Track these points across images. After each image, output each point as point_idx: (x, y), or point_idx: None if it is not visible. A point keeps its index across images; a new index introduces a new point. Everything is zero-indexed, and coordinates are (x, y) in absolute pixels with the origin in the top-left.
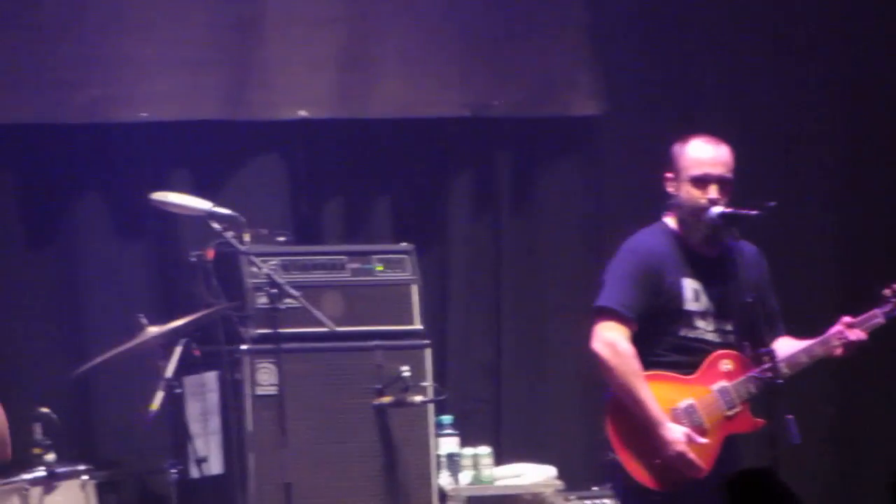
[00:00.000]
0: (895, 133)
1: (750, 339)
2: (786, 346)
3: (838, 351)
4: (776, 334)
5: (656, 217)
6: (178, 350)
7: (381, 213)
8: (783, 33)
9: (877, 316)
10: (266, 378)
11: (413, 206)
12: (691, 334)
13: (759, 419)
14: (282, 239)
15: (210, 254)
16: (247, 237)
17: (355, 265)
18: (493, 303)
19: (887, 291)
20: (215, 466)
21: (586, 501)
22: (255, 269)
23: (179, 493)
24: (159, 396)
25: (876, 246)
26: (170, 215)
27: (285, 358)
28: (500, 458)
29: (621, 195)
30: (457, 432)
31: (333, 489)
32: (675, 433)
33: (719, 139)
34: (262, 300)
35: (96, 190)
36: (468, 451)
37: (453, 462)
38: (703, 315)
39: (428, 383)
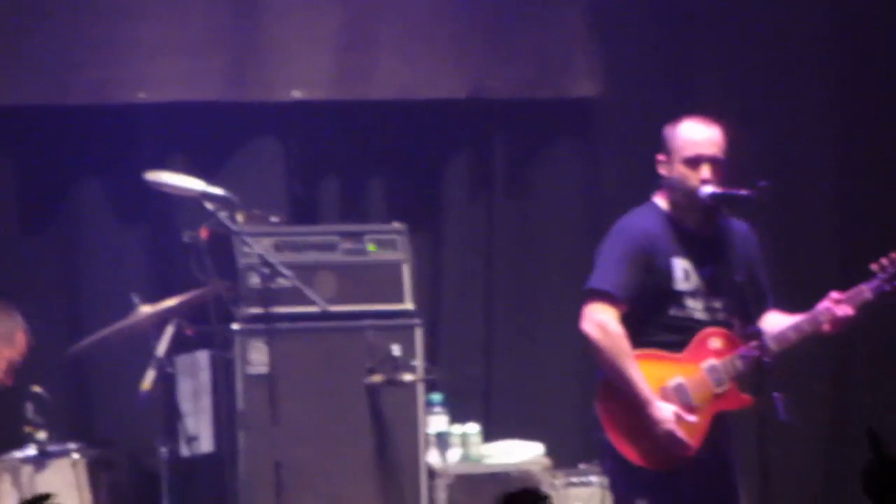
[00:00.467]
0: (892, 106)
1: (740, 317)
2: (775, 323)
3: (827, 327)
4: (765, 309)
5: (651, 198)
6: (170, 329)
7: (376, 194)
8: (781, 14)
9: (864, 291)
10: (258, 357)
11: (408, 187)
12: (682, 314)
13: (746, 396)
14: (275, 219)
15: (204, 234)
16: (240, 217)
17: (348, 245)
18: (485, 283)
19: (875, 267)
20: (206, 445)
21: (574, 479)
22: (247, 249)
23: (170, 472)
24: (151, 376)
25: (873, 221)
26: (166, 197)
27: (277, 337)
28: (490, 436)
29: (618, 176)
30: (447, 410)
31: (324, 467)
32: (665, 412)
33: (711, 120)
34: (255, 280)
35: (93, 172)
36: (457, 429)
37: (442, 440)
38: (693, 294)
39: (418, 362)
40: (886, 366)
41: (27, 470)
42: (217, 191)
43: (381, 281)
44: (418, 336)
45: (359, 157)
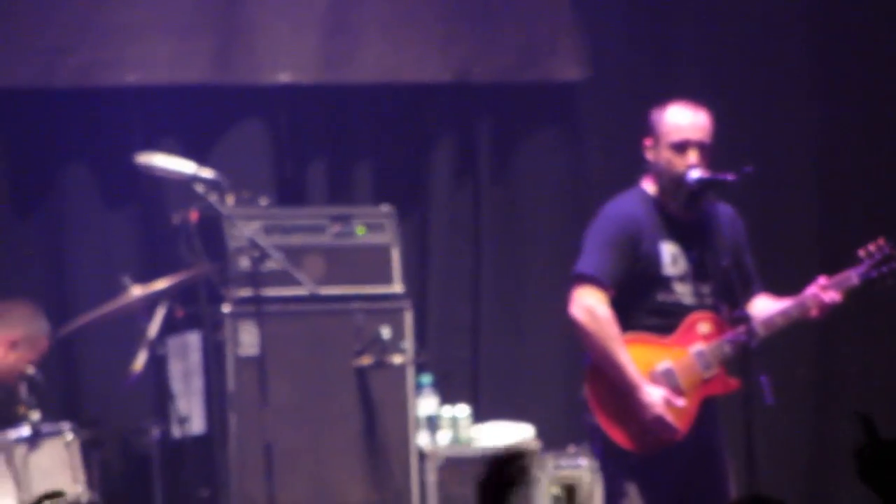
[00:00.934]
0: (876, 91)
1: (727, 301)
2: (762, 307)
3: (814, 312)
4: (753, 293)
5: (638, 183)
6: (161, 311)
7: (364, 177)
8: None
9: (851, 277)
10: (248, 339)
11: (395, 170)
12: (669, 298)
13: (733, 380)
14: (264, 202)
15: (194, 216)
16: (230, 200)
17: (336, 228)
18: (472, 265)
19: (862, 252)
20: (197, 426)
21: (564, 461)
22: (236, 232)
23: (162, 453)
24: (142, 357)
25: (857, 207)
26: (156, 180)
27: (267, 319)
28: (479, 417)
29: (603, 161)
30: (436, 392)
31: (314, 449)
32: (653, 396)
33: (698, 105)
34: (244, 262)
35: (81, 154)
36: (447, 411)
37: (432, 422)
38: (681, 279)
39: (408, 345)
40: (871, 349)
41: (20, 450)
42: (207, 173)
43: (370, 263)
44: (407, 318)
45: (346, 139)
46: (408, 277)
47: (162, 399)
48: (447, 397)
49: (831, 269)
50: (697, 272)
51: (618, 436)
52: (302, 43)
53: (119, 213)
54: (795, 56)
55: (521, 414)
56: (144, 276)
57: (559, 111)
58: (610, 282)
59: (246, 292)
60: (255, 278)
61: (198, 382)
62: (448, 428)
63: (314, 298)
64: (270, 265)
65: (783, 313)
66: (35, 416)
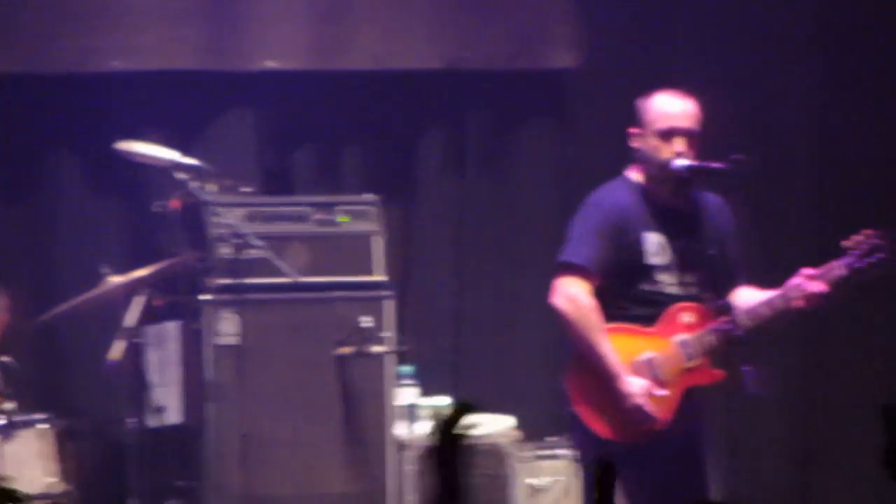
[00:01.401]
0: (874, 79)
1: (712, 291)
2: (747, 298)
3: (799, 303)
4: (737, 284)
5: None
6: (139, 300)
7: (350, 165)
8: None
9: (837, 268)
10: (228, 328)
11: (382, 159)
12: (653, 288)
13: (718, 371)
14: (246, 190)
15: (175, 204)
16: (212, 187)
17: (320, 216)
18: (457, 256)
19: (848, 243)
20: (174, 416)
21: (544, 452)
22: (218, 220)
23: (138, 442)
24: (119, 346)
25: (853, 197)
26: (138, 167)
27: (247, 308)
28: None
29: (595, 150)
30: (418, 383)
31: (292, 438)
32: (634, 386)
33: (685, 93)
34: (226, 250)
35: (65, 141)
36: (427, 401)
37: (412, 412)
38: (666, 268)
39: (389, 334)
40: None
41: None
42: (189, 160)
43: (353, 252)
44: (389, 308)
45: (333, 127)
46: (392, 266)
47: (139, 388)
48: (428, 388)
49: (825, 260)
50: (683, 261)
51: (597, 425)
52: (290, 30)
53: (102, 199)
54: (794, 46)
55: (502, 405)
56: (126, 264)
57: (550, 100)
58: (594, 271)
59: (227, 280)
60: (237, 266)
61: (176, 372)
62: (428, 418)
63: (296, 287)
64: (252, 253)
65: (767, 303)
66: (10, 405)
